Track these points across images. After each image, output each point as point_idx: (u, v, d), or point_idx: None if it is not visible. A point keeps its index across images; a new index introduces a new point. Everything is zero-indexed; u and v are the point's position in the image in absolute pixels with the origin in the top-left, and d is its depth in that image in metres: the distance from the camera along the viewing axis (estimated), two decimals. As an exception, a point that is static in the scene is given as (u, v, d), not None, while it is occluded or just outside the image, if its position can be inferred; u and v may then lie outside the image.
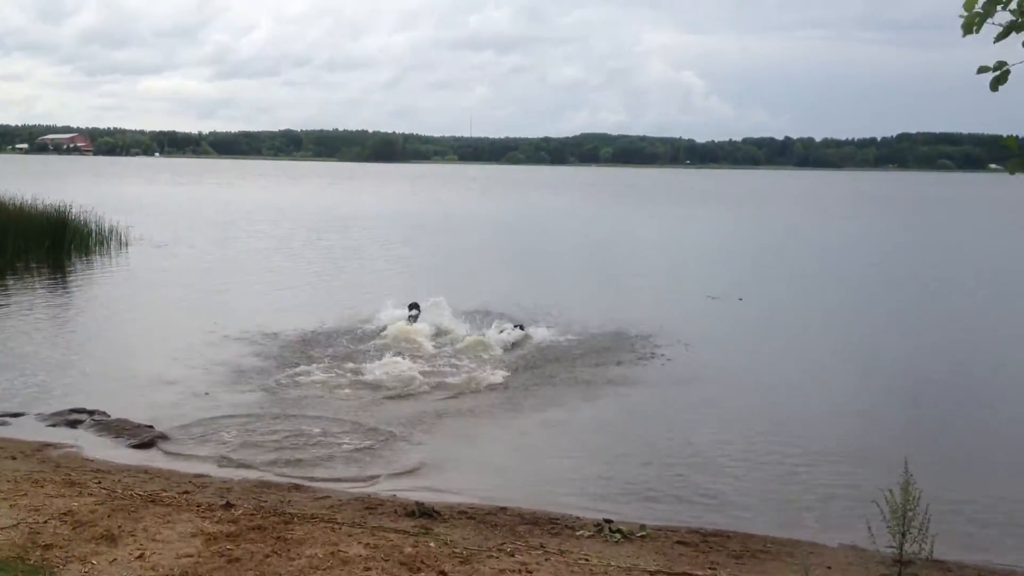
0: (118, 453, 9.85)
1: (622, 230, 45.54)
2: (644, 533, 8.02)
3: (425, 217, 49.90)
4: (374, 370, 13.60)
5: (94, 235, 29.02)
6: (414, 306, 17.52)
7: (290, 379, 13.06)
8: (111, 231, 29.97)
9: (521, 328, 16.64)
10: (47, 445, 9.97)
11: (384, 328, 16.60)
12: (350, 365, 13.97)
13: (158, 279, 23.63)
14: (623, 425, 11.60)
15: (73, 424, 10.70)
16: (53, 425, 10.75)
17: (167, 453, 9.88)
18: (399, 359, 14.25)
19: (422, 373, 13.54)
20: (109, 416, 10.88)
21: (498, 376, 13.41)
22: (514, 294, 21.19)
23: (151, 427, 10.46)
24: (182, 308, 19.26)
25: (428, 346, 15.43)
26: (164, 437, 10.21)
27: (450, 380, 13.28)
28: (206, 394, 12.19)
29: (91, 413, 10.94)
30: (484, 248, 34.70)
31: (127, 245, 29.95)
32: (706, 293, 22.65)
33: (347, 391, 12.55)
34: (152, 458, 9.70)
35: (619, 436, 11.16)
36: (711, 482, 9.64)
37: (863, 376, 14.86)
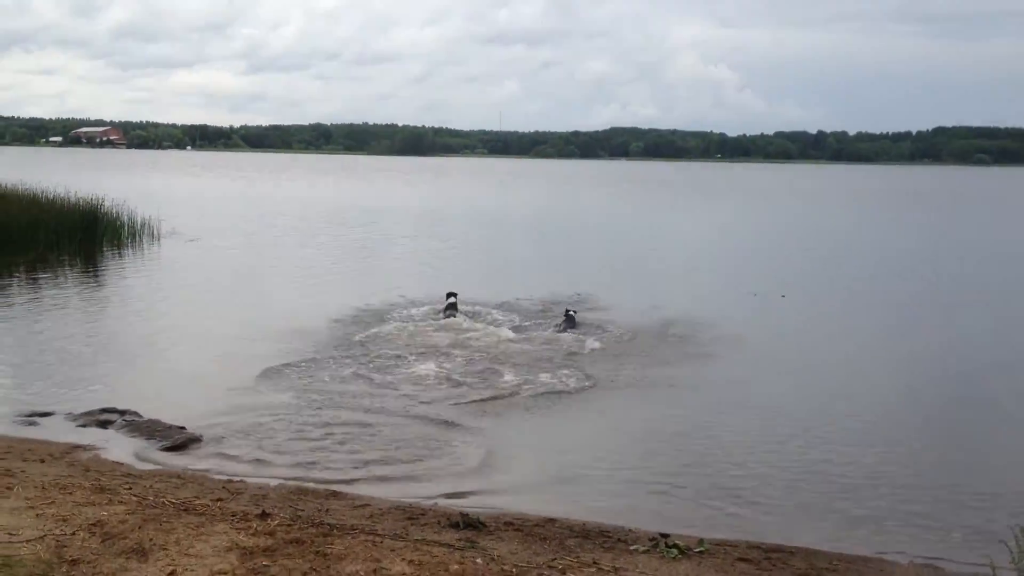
0: (150, 456, 9.50)
1: (657, 225, 44.98)
2: (702, 548, 7.54)
3: (454, 210, 49.58)
4: (414, 367, 13.20)
5: (126, 228, 28.85)
6: (451, 295, 17.12)
7: (326, 376, 12.70)
8: (143, 224, 29.81)
9: (572, 314, 16.52)
10: (77, 447, 9.65)
11: (421, 321, 16.24)
12: (387, 362, 13.59)
13: (191, 273, 23.42)
14: (672, 430, 11.09)
15: (104, 424, 10.36)
16: (83, 425, 10.43)
17: (200, 456, 9.52)
18: (438, 356, 13.85)
19: (461, 372, 13.12)
20: (141, 416, 10.54)
21: (543, 377, 12.93)
22: (554, 288, 20.78)
23: (183, 428, 10.10)
24: (215, 303, 19.00)
25: (468, 341, 15.01)
26: (197, 439, 9.84)
27: (492, 379, 12.83)
28: (241, 392, 11.84)
29: (122, 413, 10.60)
30: (523, 243, 34.24)
31: (159, 239, 29.80)
32: (748, 290, 22.08)
33: (385, 390, 12.16)
34: (185, 461, 9.33)
35: (668, 442, 10.66)
36: (766, 492, 9.13)
37: (914, 378, 14.27)
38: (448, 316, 16.70)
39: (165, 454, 9.54)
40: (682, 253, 31.56)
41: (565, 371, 13.26)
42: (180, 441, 9.75)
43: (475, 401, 11.82)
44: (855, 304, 21.21)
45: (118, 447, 9.73)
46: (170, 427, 10.14)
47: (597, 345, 15.03)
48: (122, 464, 9.14)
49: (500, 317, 17.40)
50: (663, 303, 19.34)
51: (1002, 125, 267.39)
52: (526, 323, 16.96)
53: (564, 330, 15.98)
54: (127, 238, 28.49)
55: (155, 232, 30.04)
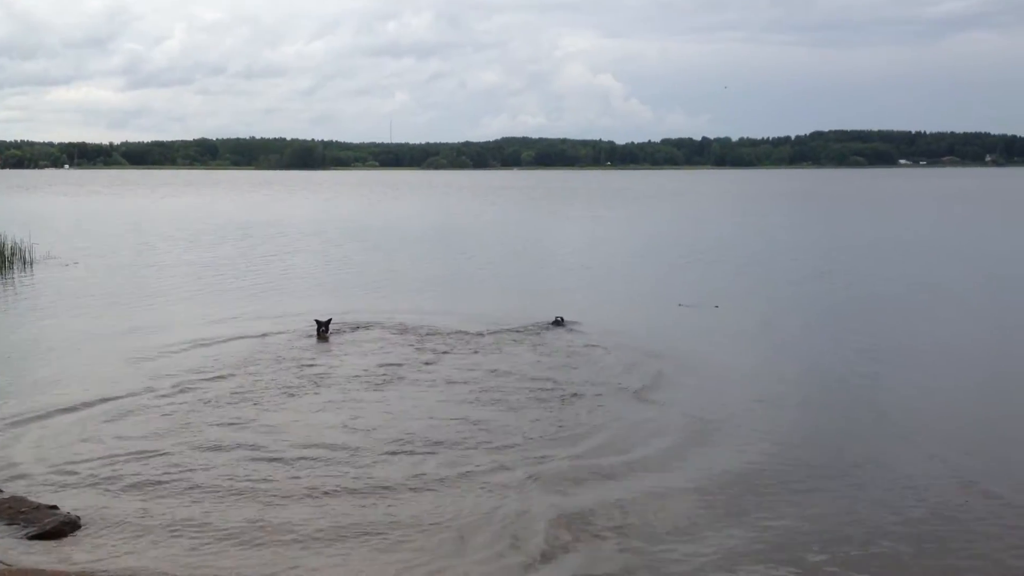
0: (11, 549, 7.54)
1: (565, 236, 43.96)
2: None
3: (339, 225, 47.57)
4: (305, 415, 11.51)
5: (-7, 254, 26.14)
6: (324, 321, 16.50)
7: (228, 426, 10.85)
8: (13, 249, 27.08)
9: (561, 322, 17.34)
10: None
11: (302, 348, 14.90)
12: (286, 399, 11.88)
13: (66, 304, 20.82)
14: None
15: (-48, 506, 8.34)
16: (-74, 509, 8.37)
17: (80, 547, 7.59)
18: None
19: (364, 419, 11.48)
20: (1, 492, 8.53)
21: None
22: (470, 306, 19.32)
23: (55, 508, 8.12)
24: (94, 340, 16.43)
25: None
26: (74, 524, 7.89)
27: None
28: (126, 453, 9.89)
29: (-23, 489, 8.58)
30: (428, 258, 32.53)
31: (32, 264, 27.10)
32: (673, 300, 20.97)
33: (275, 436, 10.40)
34: (59, 556, 7.42)
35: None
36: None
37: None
38: (321, 338, 16.13)
39: (32, 545, 7.58)
40: (594, 263, 30.28)
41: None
42: (52, 527, 7.78)
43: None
44: (787, 310, 20.34)
45: (-31, 538, 7.72)
46: (38, 507, 8.14)
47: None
48: (-27, 565, 7.19)
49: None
50: (594, 319, 18.01)
51: (874, 128, 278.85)
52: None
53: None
54: (-6, 265, 25.73)
55: (27, 257, 27.33)
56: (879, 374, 14.23)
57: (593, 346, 15.76)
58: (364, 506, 8.50)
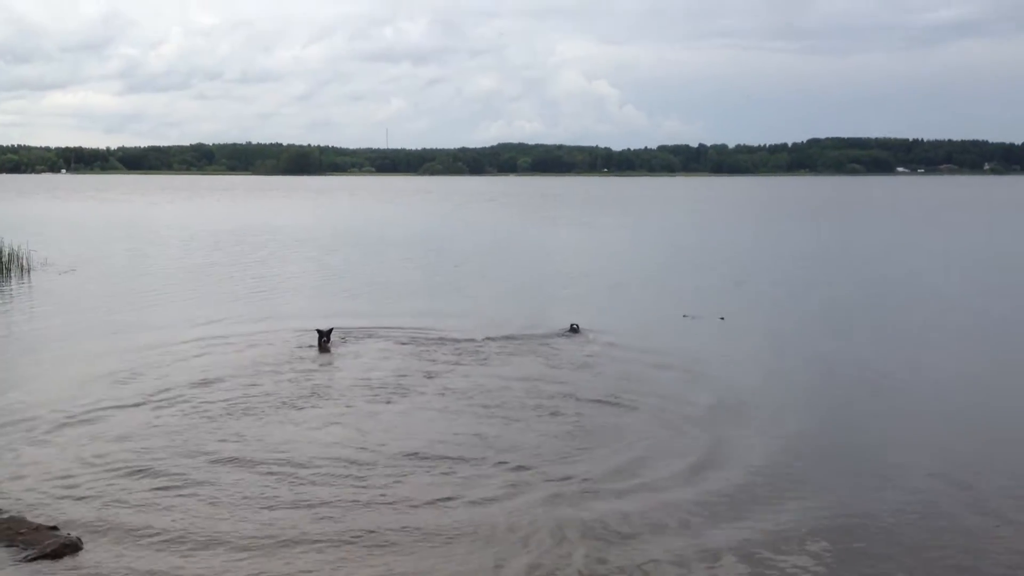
0: (11, 572, 7.29)
1: (564, 244, 43.75)
2: None
3: (337, 232, 47.34)
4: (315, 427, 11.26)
5: (-9, 261, 25.88)
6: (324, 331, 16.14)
7: (231, 442, 10.59)
8: (11, 255, 26.81)
9: (576, 329, 17.35)
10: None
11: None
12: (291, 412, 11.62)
13: (65, 312, 20.50)
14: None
15: (-52, 526, 8.06)
16: (-80, 528, 8.10)
17: (80, 570, 7.33)
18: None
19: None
20: (1, 512, 8.28)
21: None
22: (474, 313, 19.09)
23: (55, 529, 7.87)
24: (92, 351, 16.05)
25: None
26: (75, 545, 7.63)
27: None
28: (128, 468, 9.63)
29: (-26, 508, 8.32)
30: (428, 265, 32.28)
31: (29, 271, 26.82)
32: (679, 312, 20.70)
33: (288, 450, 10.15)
34: (59, 580, 7.17)
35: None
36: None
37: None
38: (322, 349, 15.78)
39: (32, 567, 7.34)
40: (598, 272, 30.03)
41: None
42: (52, 548, 7.52)
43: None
44: (795, 321, 20.14)
45: (-34, 561, 7.46)
46: (37, 527, 7.88)
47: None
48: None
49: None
50: (601, 329, 17.80)
51: (871, 136, 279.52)
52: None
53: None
54: (-8, 272, 25.47)
55: (24, 263, 27.06)
56: (895, 388, 13.99)
57: (610, 356, 15.62)
58: (373, 523, 8.23)
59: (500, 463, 9.97)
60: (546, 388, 13.31)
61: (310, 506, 8.63)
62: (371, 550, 7.73)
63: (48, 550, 7.49)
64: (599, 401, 12.65)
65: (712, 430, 11.35)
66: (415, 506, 8.68)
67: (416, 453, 10.22)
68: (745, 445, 10.82)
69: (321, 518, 8.36)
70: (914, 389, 14.03)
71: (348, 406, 12.31)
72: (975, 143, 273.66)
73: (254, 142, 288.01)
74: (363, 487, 9.15)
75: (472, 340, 16.61)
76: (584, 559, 7.66)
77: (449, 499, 8.87)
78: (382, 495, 8.93)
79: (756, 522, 8.46)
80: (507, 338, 16.83)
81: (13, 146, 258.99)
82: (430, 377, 13.94)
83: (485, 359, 15.20)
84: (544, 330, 17.65)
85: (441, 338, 16.84)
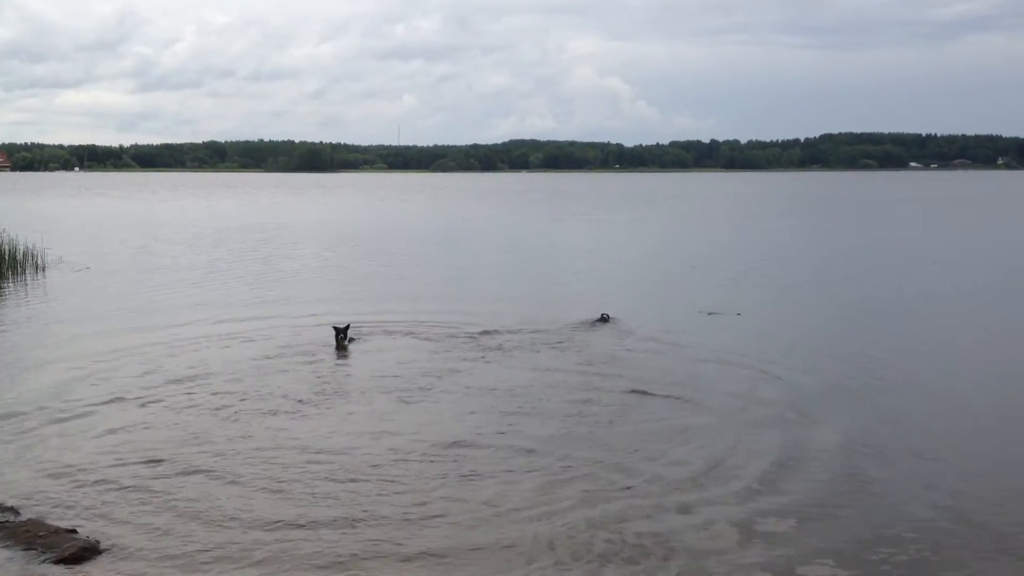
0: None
1: (577, 239, 43.49)
2: None
3: (352, 228, 47.22)
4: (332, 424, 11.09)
5: (6, 259, 25.71)
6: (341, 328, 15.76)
7: (250, 440, 10.44)
8: (25, 254, 26.76)
9: (606, 319, 17.56)
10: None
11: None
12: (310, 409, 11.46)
13: (80, 310, 20.44)
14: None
15: (-35, 528, 7.93)
16: (-64, 531, 7.96)
17: (100, 573, 7.17)
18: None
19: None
20: (19, 515, 8.13)
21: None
22: (493, 307, 18.89)
23: (74, 532, 7.72)
24: (110, 349, 15.86)
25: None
26: (94, 548, 7.49)
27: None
28: (149, 472, 9.49)
29: (-8, 510, 8.19)
30: (444, 260, 32.11)
31: (44, 269, 26.77)
32: (698, 308, 20.45)
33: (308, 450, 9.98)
34: (79, 585, 7.01)
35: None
36: None
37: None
38: (341, 349, 15.40)
39: (52, 570, 7.19)
40: (611, 267, 29.81)
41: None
42: (71, 552, 7.38)
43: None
44: (814, 316, 19.90)
45: (-16, 564, 7.32)
46: (56, 530, 7.74)
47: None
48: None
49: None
50: (625, 327, 17.59)
51: (884, 131, 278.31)
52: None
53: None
54: (6, 270, 25.35)
55: (39, 262, 27.02)
56: (924, 385, 13.72)
57: (643, 348, 15.66)
58: (400, 531, 8.03)
59: (537, 469, 9.68)
60: (580, 381, 13.23)
61: (333, 510, 8.46)
62: (404, 563, 7.54)
63: (67, 553, 7.35)
64: (645, 393, 12.51)
65: (784, 429, 11.09)
66: (441, 510, 8.49)
67: (442, 452, 10.04)
68: (819, 447, 10.52)
69: (344, 521, 8.19)
70: (949, 386, 13.70)
71: (367, 404, 12.15)
72: (988, 138, 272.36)
73: (266, 139, 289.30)
74: (385, 492, 8.96)
75: (497, 332, 16.56)
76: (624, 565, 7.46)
77: (485, 504, 8.65)
78: (410, 502, 8.73)
79: (826, 533, 8.24)
80: (539, 331, 16.76)
81: (27, 144, 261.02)
82: (456, 372, 13.79)
83: (512, 351, 15.17)
84: (570, 321, 17.57)
85: (462, 332, 16.69)
